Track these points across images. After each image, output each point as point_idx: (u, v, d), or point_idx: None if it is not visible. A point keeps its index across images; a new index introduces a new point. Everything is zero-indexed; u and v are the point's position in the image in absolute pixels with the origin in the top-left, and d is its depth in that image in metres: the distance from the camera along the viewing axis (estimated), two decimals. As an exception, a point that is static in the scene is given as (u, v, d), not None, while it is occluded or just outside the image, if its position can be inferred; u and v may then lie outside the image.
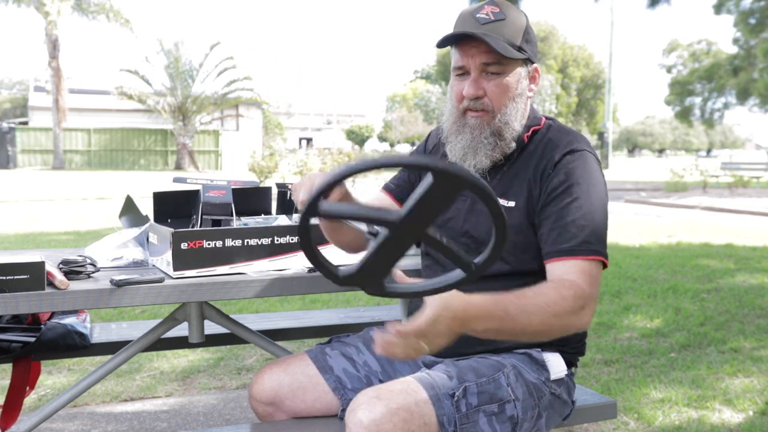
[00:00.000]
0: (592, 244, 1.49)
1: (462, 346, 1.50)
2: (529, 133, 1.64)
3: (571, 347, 1.67)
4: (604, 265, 1.52)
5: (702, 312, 4.62)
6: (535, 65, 1.64)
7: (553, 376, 1.60)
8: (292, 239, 1.80)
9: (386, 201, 1.83)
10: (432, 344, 1.27)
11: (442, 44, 1.59)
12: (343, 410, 1.71)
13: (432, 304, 1.26)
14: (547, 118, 1.70)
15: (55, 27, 30.21)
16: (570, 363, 1.67)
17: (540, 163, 1.59)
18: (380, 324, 2.49)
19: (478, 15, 1.57)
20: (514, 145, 1.61)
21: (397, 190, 1.83)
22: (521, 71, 1.61)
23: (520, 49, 1.58)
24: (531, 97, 1.65)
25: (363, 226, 1.42)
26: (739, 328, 4.26)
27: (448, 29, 1.64)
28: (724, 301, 4.94)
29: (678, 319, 4.48)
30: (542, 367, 1.59)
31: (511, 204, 1.59)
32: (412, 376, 1.47)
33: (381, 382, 1.73)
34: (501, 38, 1.55)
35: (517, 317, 1.34)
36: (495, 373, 1.51)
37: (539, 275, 1.55)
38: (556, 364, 1.61)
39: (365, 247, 1.57)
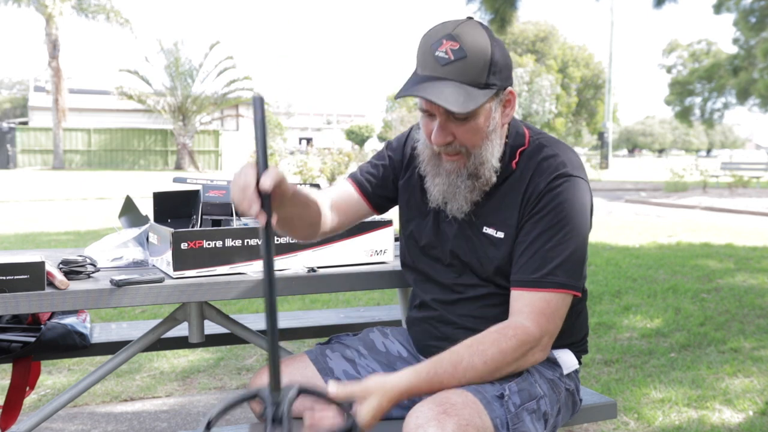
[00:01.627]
0: (557, 276, 1.46)
1: None
2: (517, 157, 1.56)
3: (577, 346, 1.68)
4: (579, 294, 1.51)
5: (702, 312, 4.62)
6: (508, 89, 1.51)
7: (566, 371, 1.62)
8: (292, 239, 1.80)
9: (352, 197, 1.72)
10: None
11: (400, 96, 1.45)
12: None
13: (366, 396, 1.34)
14: (531, 132, 1.60)
15: (55, 27, 30.21)
16: (577, 360, 1.69)
17: (527, 190, 1.53)
18: (380, 324, 2.49)
19: (437, 54, 1.43)
20: (495, 179, 1.54)
21: (366, 186, 1.73)
22: (492, 105, 1.48)
23: (486, 85, 1.44)
24: (507, 123, 1.55)
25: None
26: (739, 328, 4.26)
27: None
28: (724, 301, 4.94)
29: (678, 319, 4.48)
30: (555, 363, 1.61)
31: (500, 235, 1.54)
32: (464, 389, 1.42)
33: None
34: (463, 80, 1.42)
35: (450, 381, 1.40)
36: (524, 371, 1.52)
37: None
38: (566, 359, 1.62)
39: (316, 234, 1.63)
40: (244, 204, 1.23)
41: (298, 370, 1.74)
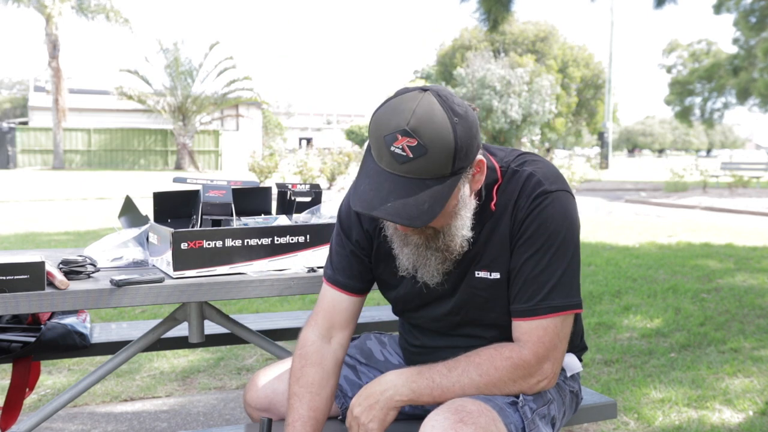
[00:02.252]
0: (553, 300, 1.43)
1: None
2: (494, 198, 1.47)
3: (577, 348, 1.68)
4: (580, 310, 1.49)
5: (702, 312, 4.62)
6: (476, 161, 1.37)
7: (569, 373, 1.63)
8: (292, 239, 1.80)
9: (347, 304, 1.63)
10: (366, 426, 1.42)
11: (357, 210, 1.34)
12: (343, 415, 1.72)
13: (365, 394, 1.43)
14: (500, 161, 1.49)
15: (55, 27, 30.20)
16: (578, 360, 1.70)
17: (514, 222, 1.46)
18: (379, 324, 2.50)
19: (392, 149, 1.29)
20: (467, 244, 1.45)
21: (354, 285, 1.62)
22: (460, 186, 1.37)
23: (453, 173, 1.32)
24: (478, 188, 1.42)
25: None
26: (739, 328, 4.26)
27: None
28: (724, 301, 4.94)
29: (678, 319, 4.48)
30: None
31: (496, 276, 1.48)
32: (476, 398, 1.41)
33: None
34: (425, 177, 1.31)
35: (451, 387, 1.42)
36: None
37: None
38: (570, 362, 1.62)
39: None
40: None
41: (280, 375, 1.73)
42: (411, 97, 1.31)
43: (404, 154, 1.29)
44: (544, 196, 1.44)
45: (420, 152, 1.28)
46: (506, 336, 1.51)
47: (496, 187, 1.47)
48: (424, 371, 1.44)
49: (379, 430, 1.42)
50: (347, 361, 1.78)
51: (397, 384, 1.42)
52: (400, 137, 1.28)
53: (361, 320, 2.56)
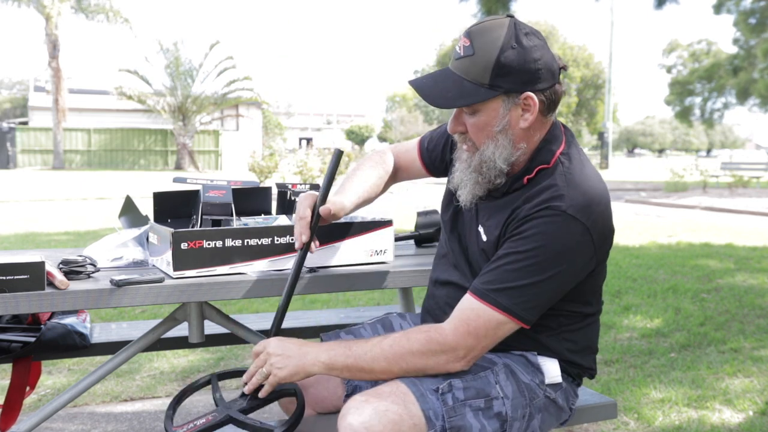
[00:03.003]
0: (502, 296, 1.44)
1: None
2: (533, 174, 1.53)
3: (570, 363, 1.65)
4: (523, 325, 1.47)
5: (702, 312, 4.62)
6: (525, 94, 1.47)
7: (547, 380, 1.59)
8: (292, 239, 1.80)
9: (415, 164, 1.91)
10: (273, 367, 1.51)
11: (410, 83, 1.58)
12: (349, 394, 1.73)
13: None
14: (564, 152, 1.54)
15: (54, 27, 30.20)
16: (569, 374, 1.66)
17: (517, 209, 1.50)
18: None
19: (456, 47, 1.52)
20: (501, 181, 1.54)
21: (428, 158, 1.87)
22: (500, 107, 1.48)
23: (491, 86, 1.45)
24: (527, 127, 1.51)
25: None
26: (739, 328, 4.26)
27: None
28: (724, 301, 4.94)
29: (678, 319, 4.48)
30: (537, 369, 1.59)
31: (484, 238, 1.56)
32: (399, 380, 1.49)
33: None
34: (467, 78, 1.47)
35: (364, 356, 1.47)
36: (482, 371, 1.53)
37: None
38: (550, 368, 1.60)
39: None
40: (296, 232, 1.65)
41: None
42: (495, 17, 1.51)
43: (459, 51, 1.50)
44: (555, 211, 1.45)
45: (468, 53, 1.47)
46: (463, 286, 1.58)
47: (540, 168, 1.53)
48: (345, 342, 1.52)
49: (280, 381, 1.51)
50: (358, 335, 1.82)
51: (318, 350, 1.51)
52: (463, 37, 1.50)
53: (361, 320, 2.56)
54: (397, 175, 1.96)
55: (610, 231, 1.54)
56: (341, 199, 1.71)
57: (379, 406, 1.40)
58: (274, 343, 1.54)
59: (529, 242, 1.44)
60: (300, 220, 1.64)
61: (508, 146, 1.51)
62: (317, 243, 1.73)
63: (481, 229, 1.58)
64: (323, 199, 1.66)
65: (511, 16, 1.50)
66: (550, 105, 1.52)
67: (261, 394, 1.54)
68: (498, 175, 1.53)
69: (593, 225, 1.46)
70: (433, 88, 1.51)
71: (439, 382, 1.48)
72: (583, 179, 1.50)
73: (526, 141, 1.53)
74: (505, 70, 1.45)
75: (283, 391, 1.59)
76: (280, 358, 1.51)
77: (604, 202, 1.51)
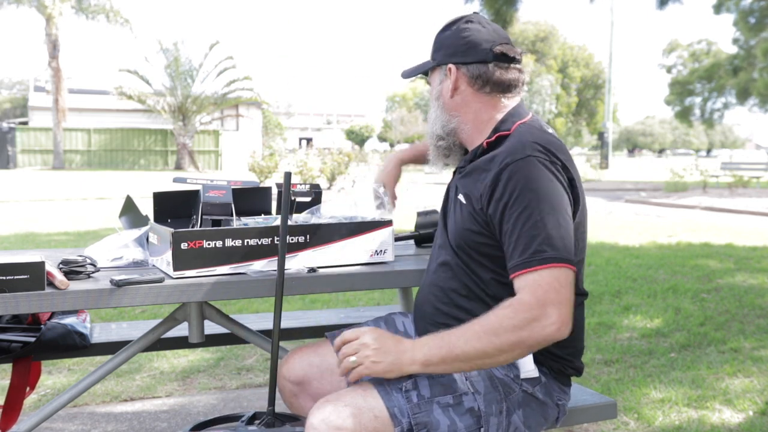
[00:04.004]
0: (543, 252, 1.45)
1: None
2: (492, 139, 1.63)
3: (556, 359, 1.64)
4: (573, 268, 1.47)
5: (702, 312, 4.62)
6: (448, 65, 1.69)
7: (522, 374, 1.59)
8: (292, 239, 1.80)
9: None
10: (367, 359, 1.46)
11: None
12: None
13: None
14: (524, 123, 1.64)
15: (55, 27, 30.20)
16: (550, 369, 1.65)
17: (487, 174, 1.57)
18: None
19: None
20: (444, 143, 1.73)
21: None
22: (437, 78, 1.73)
23: (432, 60, 1.74)
24: (452, 96, 1.69)
25: None
26: (739, 328, 4.26)
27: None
28: (724, 301, 4.94)
29: (678, 319, 4.48)
30: (511, 364, 1.58)
31: (463, 200, 1.64)
32: (365, 379, 1.52)
33: None
34: (429, 59, 1.76)
35: (456, 342, 1.44)
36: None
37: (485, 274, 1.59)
38: (524, 362, 1.59)
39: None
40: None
41: (329, 350, 1.78)
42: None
43: None
44: (523, 159, 1.53)
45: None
46: (449, 261, 1.64)
47: (500, 134, 1.63)
48: (436, 335, 1.48)
49: (372, 374, 1.47)
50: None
51: (414, 348, 1.47)
52: None
53: (361, 320, 2.56)
54: None
55: (566, 160, 1.57)
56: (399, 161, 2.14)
57: (338, 403, 1.44)
58: (370, 335, 1.49)
59: (518, 201, 1.49)
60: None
61: (441, 114, 1.72)
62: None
63: (460, 196, 1.65)
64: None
65: (476, 13, 1.74)
66: (483, 81, 1.66)
67: (350, 379, 1.49)
68: (438, 139, 1.74)
69: (544, 153, 1.53)
70: (409, 67, 1.81)
71: (404, 380, 1.50)
72: (546, 137, 1.59)
73: (459, 112, 1.70)
74: (438, 45, 1.72)
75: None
76: (376, 352, 1.47)
77: (551, 141, 1.58)
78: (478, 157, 1.65)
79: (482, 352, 1.43)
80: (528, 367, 1.59)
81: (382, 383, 1.49)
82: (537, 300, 1.42)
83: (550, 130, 1.67)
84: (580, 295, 1.67)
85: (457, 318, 1.59)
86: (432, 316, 1.68)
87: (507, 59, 1.66)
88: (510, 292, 1.51)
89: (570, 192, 1.55)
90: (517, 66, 1.69)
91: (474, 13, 1.73)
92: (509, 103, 1.68)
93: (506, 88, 1.67)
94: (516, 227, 1.48)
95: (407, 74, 1.81)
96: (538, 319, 1.42)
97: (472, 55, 1.66)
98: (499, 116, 1.67)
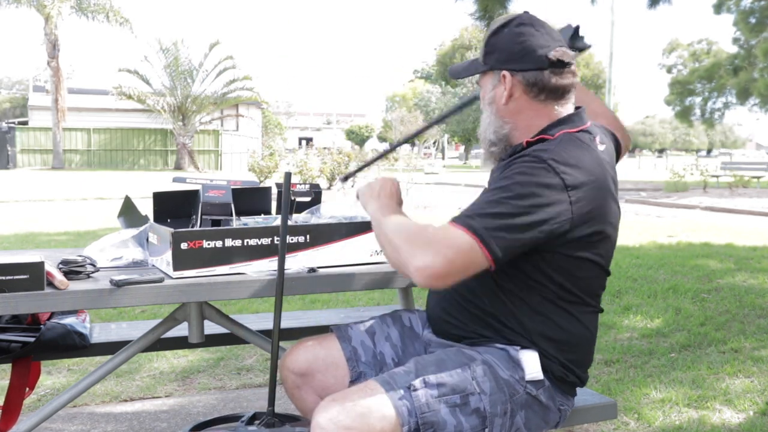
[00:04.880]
0: (475, 221, 1.46)
1: (447, 330, 1.68)
2: (534, 139, 1.62)
3: (558, 363, 1.64)
4: (485, 251, 1.46)
5: (702, 312, 4.62)
6: (503, 72, 1.63)
7: (527, 377, 1.59)
8: (291, 239, 1.80)
9: None
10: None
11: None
12: (353, 380, 1.75)
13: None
14: (569, 133, 1.60)
15: (54, 27, 30.19)
16: (554, 375, 1.64)
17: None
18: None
19: None
20: (497, 149, 1.69)
21: None
22: (489, 82, 1.68)
23: (484, 63, 1.68)
24: (506, 103, 1.63)
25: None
26: (739, 328, 4.25)
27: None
28: (725, 301, 4.93)
29: (678, 319, 4.48)
30: (517, 365, 1.59)
31: None
32: (372, 379, 1.53)
33: (393, 361, 1.79)
34: (477, 57, 1.71)
35: (390, 218, 1.62)
36: (460, 367, 1.54)
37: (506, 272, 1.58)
38: (530, 364, 1.59)
39: None
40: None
41: (335, 343, 1.79)
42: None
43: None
44: (535, 158, 1.53)
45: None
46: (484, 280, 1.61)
47: (542, 137, 1.61)
48: (397, 209, 1.68)
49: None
50: (368, 328, 1.83)
51: (376, 207, 1.69)
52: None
53: (360, 320, 2.56)
54: None
55: (596, 207, 1.54)
56: None
57: (345, 402, 1.44)
58: (383, 183, 1.75)
59: (506, 180, 1.52)
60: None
61: (494, 119, 1.68)
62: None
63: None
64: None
65: (527, 12, 1.67)
66: (538, 89, 1.61)
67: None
68: (490, 143, 1.70)
69: (572, 184, 1.50)
70: (457, 66, 1.76)
71: (412, 379, 1.50)
72: (577, 154, 1.55)
73: (514, 119, 1.65)
74: (491, 48, 1.65)
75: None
76: (371, 189, 1.74)
77: (592, 178, 1.54)
78: (514, 153, 1.64)
79: (387, 236, 1.58)
80: (534, 369, 1.60)
81: (388, 382, 1.49)
82: (432, 240, 1.47)
83: (600, 147, 1.63)
84: (594, 308, 1.68)
85: (468, 303, 1.64)
86: (441, 301, 1.73)
87: (562, 64, 1.60)
88: (518, 283, 1.57)
89: (573, 214, 1.51)
90: (572, 69, 1.63)
91: (525, 12, 1.66)
92: (562, 110, 1.64)
93: (560, 94, 1.63)
94: (482, 196, 1.55)
95: (455, 75, 1.77)
96: (422, 255, 1.45)
97: (527, 61, 1.60)
98: (534, 121, 1.64)
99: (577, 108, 1.67)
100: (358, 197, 1.77)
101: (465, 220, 1.48)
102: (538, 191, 1.48)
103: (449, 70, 1.79)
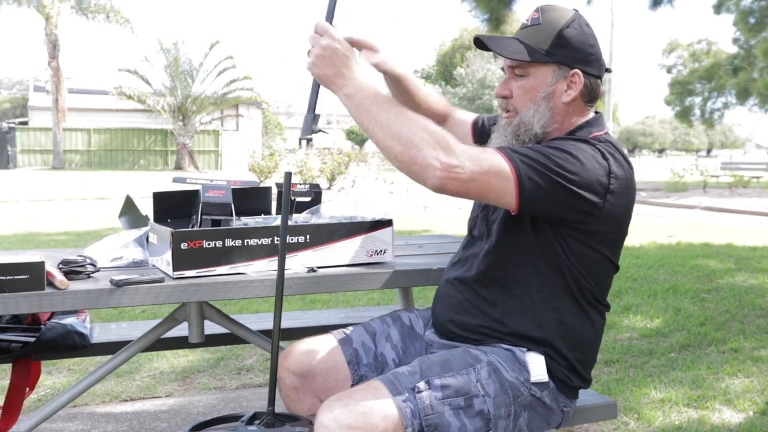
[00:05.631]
0: (514, 154, 1.48)
1: (453, 330, 1.67)
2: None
3: (564, 360, 1.64)
4: (515, 175, 1.46)
5: (702, 312, 4.62)
6: (574, 70, 1.60)
7: (533, 378, 1.59)
8: (291, 239, 1.80)
9: (465, 124, 1.97)
10: (313, 56, 1.52)
11: (475, 37, 1.67)
12: (354, 382, 1.74)
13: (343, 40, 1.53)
14: (599, 137, 1.61)
15: (54, 27, 30.19)
16: (557, 377, 1.64)
17: None
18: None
19: (524, 20, 1.65)
20: (533, 140, 1.63)
21: (479, 124, 1.96)
22: (549, 75, 1.60)
23: (548, 53, 1.59)
24: (568, 102, 1.62)
25: None
26: (739, 328, 4.25)
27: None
28: (724, 301, 4.93)
29: (678, 319, 4.48)
30: (523, 367, 1.59)
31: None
32: (376, 378, 1.53)
33: (395, 362, 1.78)
34: (528, 43, 1.59)
35: (381, 105, 1.48)
36: (465, 368, 1.54)
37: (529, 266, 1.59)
38: (536, 366, 1.59)
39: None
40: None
41: (321, 342, 1.79)
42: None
43: (527, 22, 1.64)
44: (573, 137, 1.58)
45: (536, 22, 1.61)
46: (493, 250, 1.62)
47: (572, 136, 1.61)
48: (379, 91, 1.51)
49: (309, 69, 1.53)
50: (369, 328, 1.83)
51: (350, 82, 1.51)
52: (533, 12, 1.63)
53: (361, 320, 2.56)
54: (446, 119, 1.98)
55: (627, 203, 1.59)
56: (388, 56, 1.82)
57: (349, 403, 1.43)
58: (329, 40, 1.52)
59: (553, 145, 1.54)
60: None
61: (547, 114, 1.61)
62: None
63: None
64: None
65: (576, 10, 1.65)
66: (591, 94, 1.64)
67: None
68: (532, 139, 1.61)
69: (615, 172, 1.53)
70: (498, 43, 1.63)
71: (416, 380, 1.49)
72: (617, 155, 1.58)
73: (563, 117, 1.63)
74: (564, 42, 1.59)
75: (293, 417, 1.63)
76: (321, 58, 1.52)
77: (630, 174, 1.58)
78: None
79: (388, 122, 1.45)
80: (539, 371, 1.60)
81: (392, 382, 1.48)
82: (462, 152, 1.44)
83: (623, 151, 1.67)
84: (602, 304, 1.68)
85: (478, 299, 1.65)
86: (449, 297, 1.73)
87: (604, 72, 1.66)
88: (538, 279, 1.58)
89: (606, 197, 1.52)
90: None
91: (575, 10, 1.65)
92: (591, 111, 1.68)
93: (596, 100, 1.67)
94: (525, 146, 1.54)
95: (502, 49, 1.60)
96: (442, 154, 1.42)
97: (596, 67, 1.63)
98: (576, 121, 1.65)
99: (596, 112, 1.69)
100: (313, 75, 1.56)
101: (506, 150, 1.49)
102: (579, 158, 1.49)
103: (485, 39, 1.62)
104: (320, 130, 1.68)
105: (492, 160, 1.46)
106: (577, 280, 1.59)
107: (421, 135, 1.43)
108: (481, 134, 1.93)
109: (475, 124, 1.97)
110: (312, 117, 1.60)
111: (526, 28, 1.62)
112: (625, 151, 1.64)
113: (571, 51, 1.59)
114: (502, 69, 1.68)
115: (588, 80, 1.61)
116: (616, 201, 1.54)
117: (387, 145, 1.46)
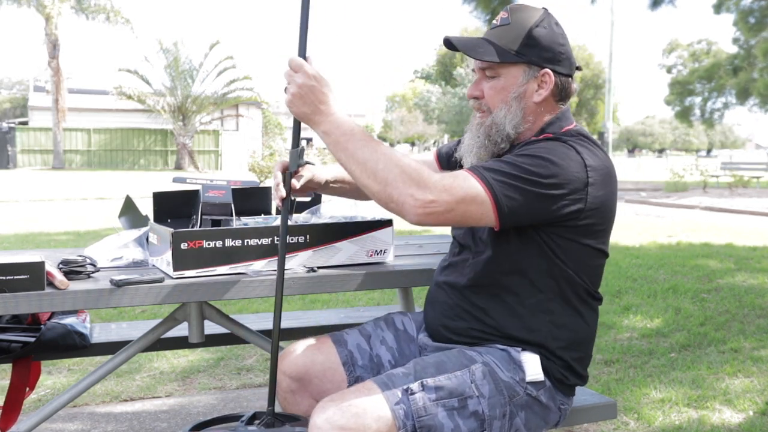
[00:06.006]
0: (488, 174, 1.48)
1: (447, 332, 1.67)
2: (540, 136, 1.62)
3: (560, 361, 1.64)
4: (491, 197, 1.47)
5: (702, 312, 4.62)
6: (545, 69, 1.60)
7: (528, 378, 1.59)
8: (291, 239, 1.80)
9: (432, 161, 1.99)
10: (289, 94, 1.53)
11: (445, 39, 1.66)
12: (350, 384, 1.74)
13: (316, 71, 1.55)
14: (569, 131, 1.63)
15: (54, 27, 30.19)
16: (553, 376, 1.64)
17: None
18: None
19: (493, 21, 1.66)
20: (504, 146, 1.63)
21: (443, 155, 1.97)
22: (521, 75, 1.60)
23: (518, 53, 1.59)
24: (539, 102, 1.62)
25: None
26: (739, 328, 4.26)
27: (449, 28, 1.68)
28: (724, 301, 4.93)
29: (678, 319, 4.48)
30: (518, 367, 1.59)
31: None
32: (370, 379, 1.53)
33: (390, 363, 1.78)
34: (498, 43, 1.60)
35: (358, 141, 1.50)
36: (459, 369, 1.54)
37: (521, 273, 1.59)
38: (531, 366, 1.59)
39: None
40: (273, 195, 1.72)
41: (333, 348, 1.78)
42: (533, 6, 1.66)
43: (495, 23, 1.64)
44: (551, 139, 1.57)
45: (505, 22, 1.62)
46: (492, 257, 1.60)
47: (545, 135, 1.62)
48: (354, 127, 1.53)
49: (287, 105, 1.55)
50: (363, 331, 1.83)
51: (326, 119, 1.53)
52: (502, 12, 1.64)
53: (361, 320, 2.56)
54: None
55: (609, 191, 1.57)
56: (319, 169, 1.86)
57: (342, 403, 1.43)
58: (304, 78, 1.53)
59: (524, 152, 1.53)
60: (275, 185, 1.73)
61: (518, 114, 1.61)
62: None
63: None
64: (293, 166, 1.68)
65: (545, 8, 1.66)
66: (562, 93, 1.64)
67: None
68: (504, 139, 1.62)
69: (591, 165, 1.53)
70: (467, 43, 1.63)
71: (410, 381, 1.49)
72: (590, 146, 1.59)
73: (535, 116, 1.63)
74: (533, 42, 1.59)
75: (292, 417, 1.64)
76: (297, 97, 1.53)
77: (606, 164, 1.57)
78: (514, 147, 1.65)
79: (365, 160, 1.48)
80: (535, 371, 1.59)
81: (387, 384, 1.49)
82: (436, 185, 1.45)
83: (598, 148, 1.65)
84: (594, 299, 1.67)
85: (470, 305, 1.65)
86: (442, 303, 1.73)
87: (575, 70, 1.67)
88: (527, 283, 1.58)
89: (588, 193, 1.52)
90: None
91: (544, 8, 1.66)
92: (562, 109, 1.68)
93: (568, 98, 1.68)
94: (500, 159, 1.54)
95: (471, 51, 1.60)
96: (418, 191, 1.44)
97: (566, 66, 1.63)
98: (548, 119, 1.66)
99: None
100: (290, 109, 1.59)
101: (480, 171, 1.49)
102: (556, 162, 1.49)
103: (455, 40, 1.62)
104: (307, 162, 1.80)
105: (466, 186, 1.47)
106: (568, 280, 1.59)
107: (395, 172, 1.46)
108: (447, 163, 1.95)
109: (438, 157, 1.99)
110: (297, 151, 1.66)
111: (496, 29, 1.62)
112: (596, 139, 1.65)
113: (540, 50, 1.60)
114: (473, 70, 1.68)
115: (558, 79, 1.62)
116: (597, 192, 1.54)
117: (365, 183, 1.50)
